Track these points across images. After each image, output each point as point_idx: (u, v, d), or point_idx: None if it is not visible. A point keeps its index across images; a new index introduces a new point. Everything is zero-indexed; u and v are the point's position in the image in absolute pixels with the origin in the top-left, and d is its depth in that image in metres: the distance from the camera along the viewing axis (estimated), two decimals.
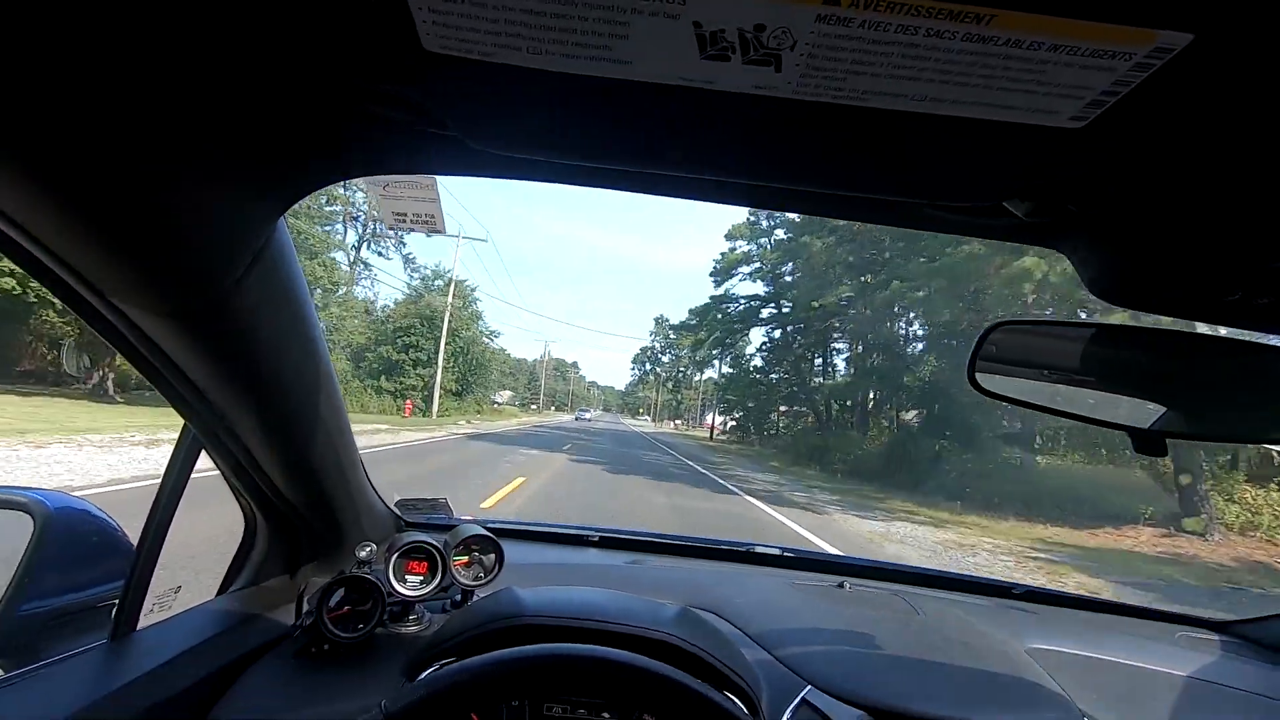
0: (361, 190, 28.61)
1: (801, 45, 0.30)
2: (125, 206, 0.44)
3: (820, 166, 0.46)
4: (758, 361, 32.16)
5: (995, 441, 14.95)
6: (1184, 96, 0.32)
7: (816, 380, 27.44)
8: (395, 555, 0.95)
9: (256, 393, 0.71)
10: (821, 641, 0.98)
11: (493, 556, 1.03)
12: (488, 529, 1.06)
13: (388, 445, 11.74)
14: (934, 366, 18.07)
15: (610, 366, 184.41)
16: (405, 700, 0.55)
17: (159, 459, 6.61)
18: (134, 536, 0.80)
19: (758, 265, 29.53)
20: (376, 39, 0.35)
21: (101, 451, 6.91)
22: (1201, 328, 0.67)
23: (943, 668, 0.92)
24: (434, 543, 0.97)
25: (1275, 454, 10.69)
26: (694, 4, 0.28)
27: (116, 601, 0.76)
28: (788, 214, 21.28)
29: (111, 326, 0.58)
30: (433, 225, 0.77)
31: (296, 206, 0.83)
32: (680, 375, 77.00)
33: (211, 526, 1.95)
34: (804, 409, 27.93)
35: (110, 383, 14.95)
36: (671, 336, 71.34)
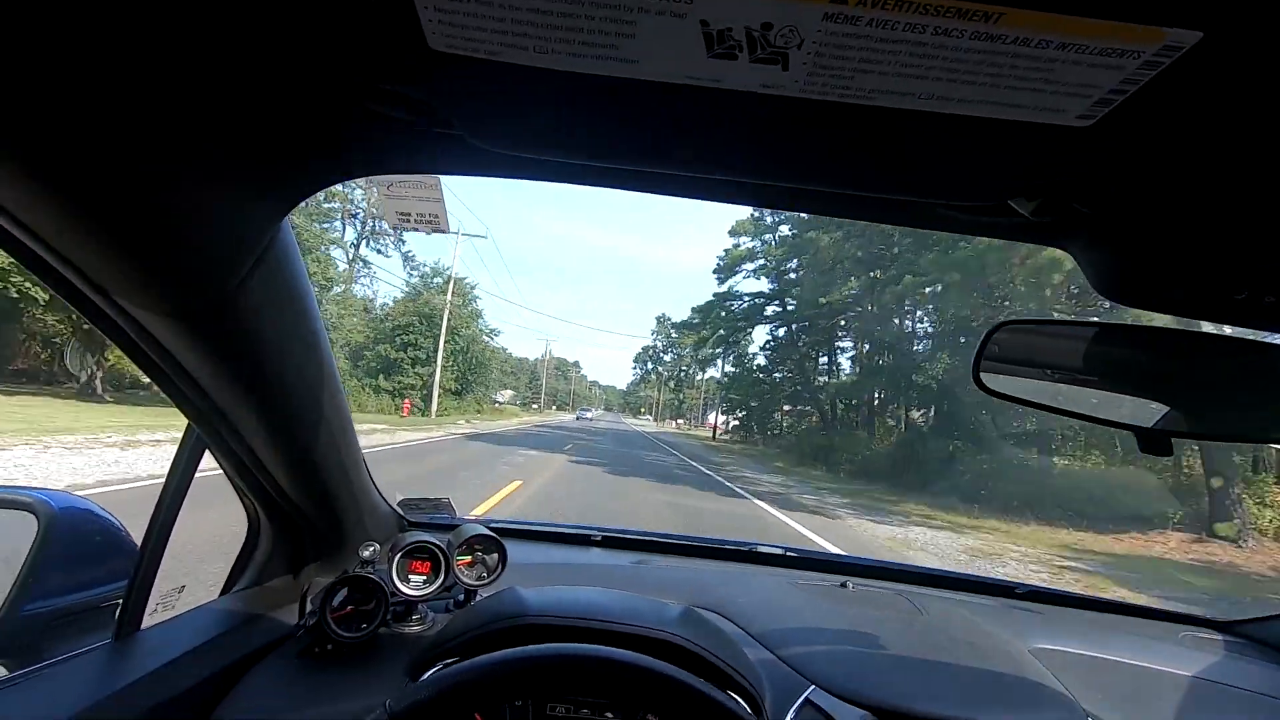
0: (361, 187, 28.61)
1: (809, 44, 0.30)
2: (130, 206, 0.45)
3: (826, 165, 0.47)
4: (761, 360, 32.20)
5: (1010, 442, 14.63)
6: (1192, 95, 0.32)
7: (821, 379, 27.39)
8: (398, 555, 0.96)
9: (260, 393, 0.72)
10: (825, 641, 0.99)
11: (496, 556, 1.04)
12: (491, 529, 1.07)
13: (383, 446, 11.56)
14: (946, 365, 17.83)
15: (612, 366, 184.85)
16: (409, 700, 0.55)
17: (132, 462, 6.42)
18: (138, 536, 0.81)
19: (762, 262, 29.49)
20: (382, 38, 0.35)
21: (70, 453, 6.59)
22: (1207, 326, 0.68)
23: (947, 668, 0.93)
24: (437, 542, 0.98)
25: None
26: (701, 2, 0.28)
27: (120, 601, 0.77)
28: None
29: (116, 326, 0.58)
30: (436, 225, 0.78)
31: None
32: (682, 374, 77.02)
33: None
34: (808, 408, 27.89)
35: (99, 381, 14.76)
36: (674, 335, 71.29)
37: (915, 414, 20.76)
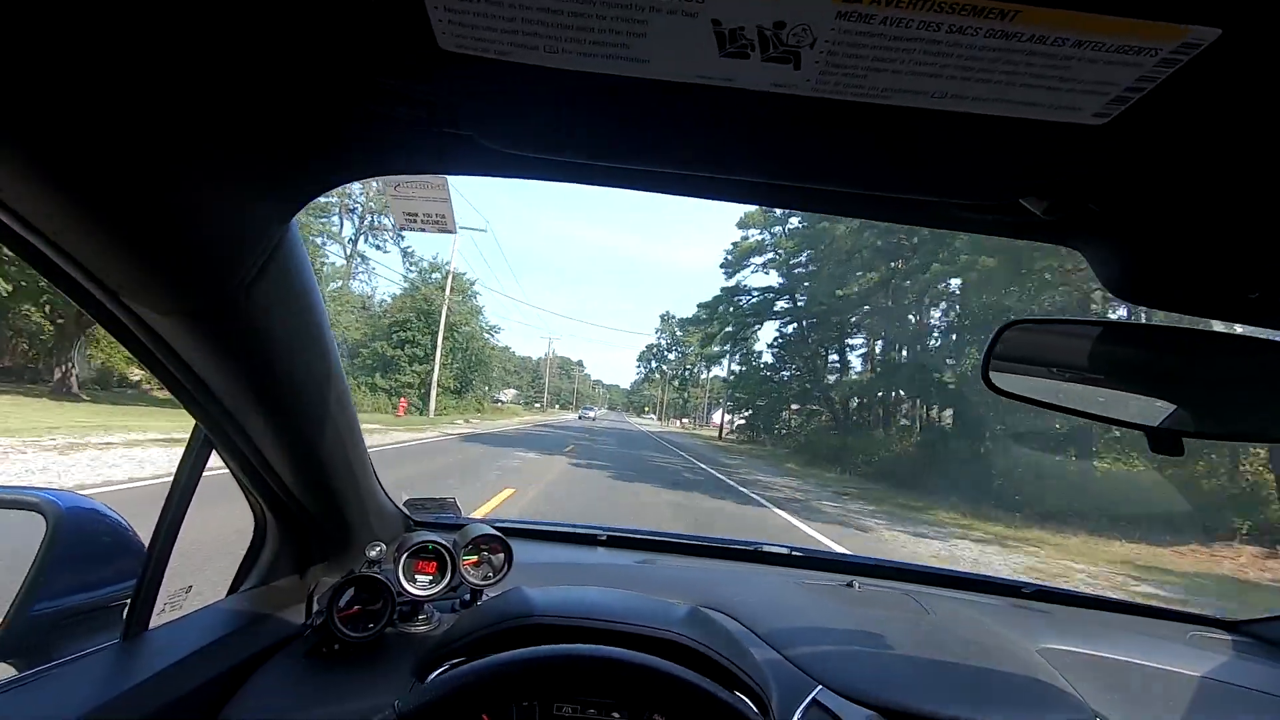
0: (361, 183, 28.53)
1: (821, 42, 0.31)
2: (138, 206, 0.46)
3: (837, 164, 0.48)
4: (768, 358, 32.11)
5: (1046, 442, 13.95)
6: (1209, 92, 0.33)
7: (832, 377, 27.23)
8: (405, 555, 0.98)
9: (268, 393, 0.73)
10: (831, 641, 1.01)
11: (502, 556, 1.07)
12: (497, 528, 1.09)
13: (370, 449, 11.02)
14: (975, 360, 17.37)
15: (615, 365, 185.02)
16: (418, 701, 0.57)
17: (64, 467, 5.83)
18: (145, 536, 0.83)
19: (771, 255, 29.38)
20: (391, 38, 0.36)
21: None
22: (1217, 325, 0.69)
23: (954, 668, 0.94)
24: (443, 542, 1.01)
25: None
26: (713, 1, 0.29)
27: (128, 601, 0.79)
28: None
29: (123, 327, 0.60)
30: (443, 225, 0.80)
31: None
32: (686, 373, 76.87)
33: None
34: (818, 407, 27.76)
35: (74, 379, 14.34)
36: (678, 334, 71.24)
37: (937, 412, 20.38)
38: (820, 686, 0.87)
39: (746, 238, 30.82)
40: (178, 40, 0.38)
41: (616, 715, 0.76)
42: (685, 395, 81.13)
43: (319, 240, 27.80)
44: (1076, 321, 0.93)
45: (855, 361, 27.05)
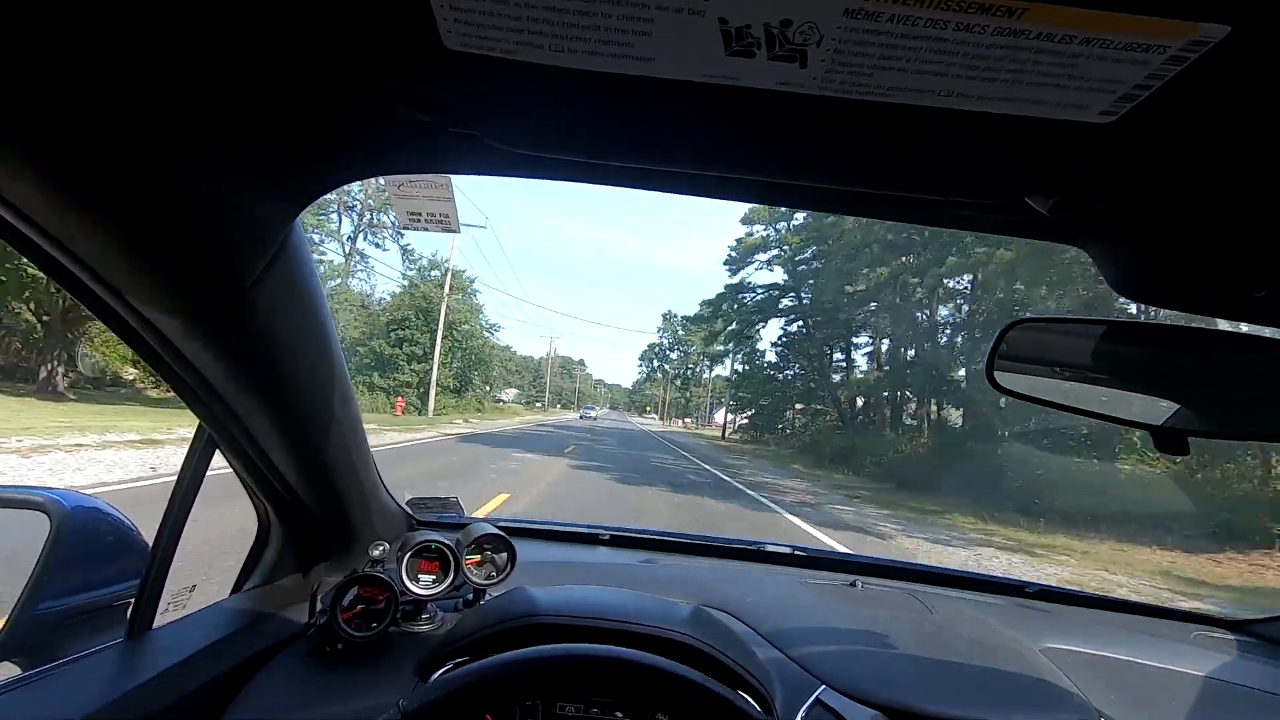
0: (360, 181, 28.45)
1: (828, 41, 0.31)
2: (142, 206, 0.46)
3: (842, 163, 0.48)
4: (772, 357, 32.12)
5: (1063, 443, 13.62)
6: (1217, 90, 0.33)
7: (838, 376, 27.15)
8: (408, 554, 0.99)
9: (272, 393, 0.74)
10: (835, 640, 1.01)
11: (505, 555, 1.08)
12: (499, 528, 1.11)
13: None
14: None
15: (617, 364, 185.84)
16: (422, 700, 0.58)
17: (23, 471, 5.49)
18: (149, 535, 0.85)
19: (777, 251, 29.27)
20: (396, 37, 0.36)
21: None
22: (1222, 324, 0.70)
23: (957, 667, 0.95)
24: (446, 542, 1.02)
25: None
26: None
27: (132, 600, 0.80)
28: None
29: (127, 326, 0.61)
30: (447, 225, 0.81)
31: None
32: (689, 372, 76.91)
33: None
34: (824, 407, 27.72)
35: (60, 378, 14.01)
36: (680, 333, 71.25)
37: (949, 412, 20.24)
38: (824, 686, 0.88)
39: (751, 234, 30.70)
40: (180, 39, 0.38)
41: (620, 715, 0.77)
42: (687, 395, 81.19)
43: (317, 237, 27.83)
44: (1080, 320, 0.94)
45: (861, 360, 27.07)
